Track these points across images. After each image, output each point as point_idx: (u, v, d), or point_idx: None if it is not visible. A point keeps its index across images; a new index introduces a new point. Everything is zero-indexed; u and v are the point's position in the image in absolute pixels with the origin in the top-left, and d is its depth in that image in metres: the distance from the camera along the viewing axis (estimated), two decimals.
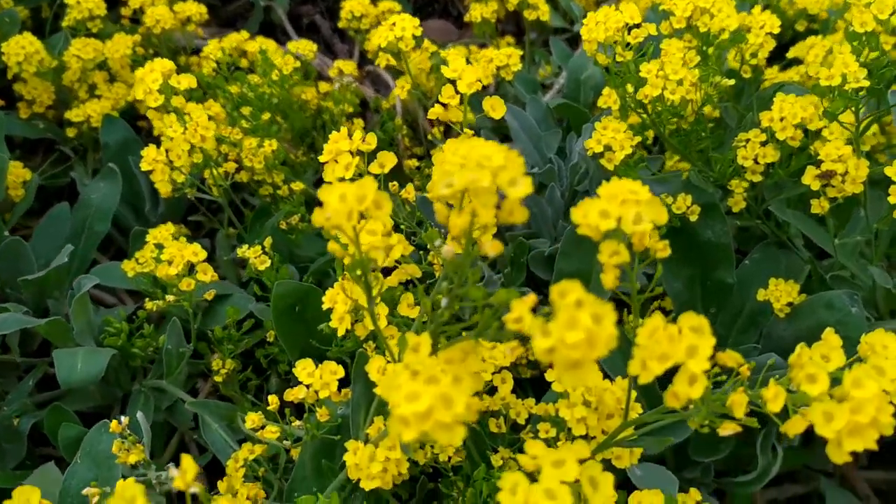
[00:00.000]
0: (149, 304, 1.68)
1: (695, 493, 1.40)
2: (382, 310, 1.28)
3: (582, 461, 0.98)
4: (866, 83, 1.26)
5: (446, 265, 0.99)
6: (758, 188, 1.83)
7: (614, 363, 1.66)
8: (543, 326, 0.83)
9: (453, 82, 1.43)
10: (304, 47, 2.13)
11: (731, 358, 0.95)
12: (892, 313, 1.77)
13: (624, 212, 0.98)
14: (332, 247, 1.02)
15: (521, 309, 0.87)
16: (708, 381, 0.92)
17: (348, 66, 2.25)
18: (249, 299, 1.85)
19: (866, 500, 1.90)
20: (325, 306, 1.41)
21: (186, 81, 1.60)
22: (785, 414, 0.97)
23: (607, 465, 1.43)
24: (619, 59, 1.47)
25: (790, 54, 1.96)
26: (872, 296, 1.79)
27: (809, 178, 1.50)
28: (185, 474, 0.89)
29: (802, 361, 0.93)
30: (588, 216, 0.99)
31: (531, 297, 0.89)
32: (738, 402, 0.95)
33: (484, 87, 2.70)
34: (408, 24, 1.72)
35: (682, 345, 0.90)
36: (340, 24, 2.44)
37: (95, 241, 1.98)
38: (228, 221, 2.01)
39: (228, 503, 1.33)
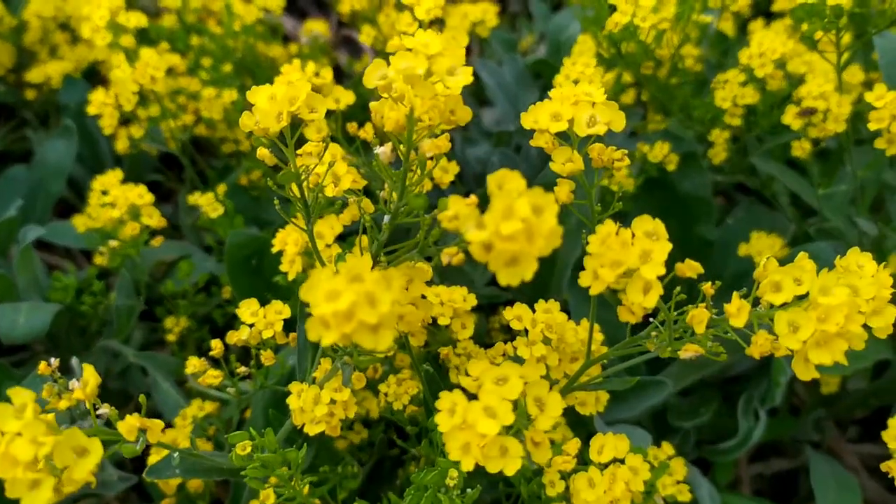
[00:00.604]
0: (98, 259, 1.60)
1: (667, 447, 1.32)
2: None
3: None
4: (843, 1, 1.18)
5: (383, 171, 0.91)
6: (741, 143, 1.75)
7: (578, 307, 1.58)
8: (478, 218, 0.75)
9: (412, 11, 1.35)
10: (271, 2, 2.05)
11: (689, 268, 0.87)
12: None
13: (577, 113, 0.90)
14: (261, 153, 0.94)
15: (457, 206, 0.78)
16: (662, 290, 0.84)
17: (320, 27, 2.17)
18: (209, 259, 1.78)
19: (854, 472, 1.81)
20: (274, 249, 1.33)
21: (136, 19, 1.52)
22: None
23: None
24: None
25: (775, 7, 1.88)
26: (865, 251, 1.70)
27: (790, 117, 1.42)
28: (85, 385, 0.81)
29: (767, 271, 0.85)
30: (539, 119, 0.91)
31: (472, 198, 0.81)
32: (699, 316, 0.87)
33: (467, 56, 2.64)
34: None
35: (635, 250, 0.82)
36: None
37: (50, 202, 1.90)
38: (191, 184, 1.93)
39: None
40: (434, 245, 0.94)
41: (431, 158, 0.90)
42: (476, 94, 2.26)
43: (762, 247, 1.62)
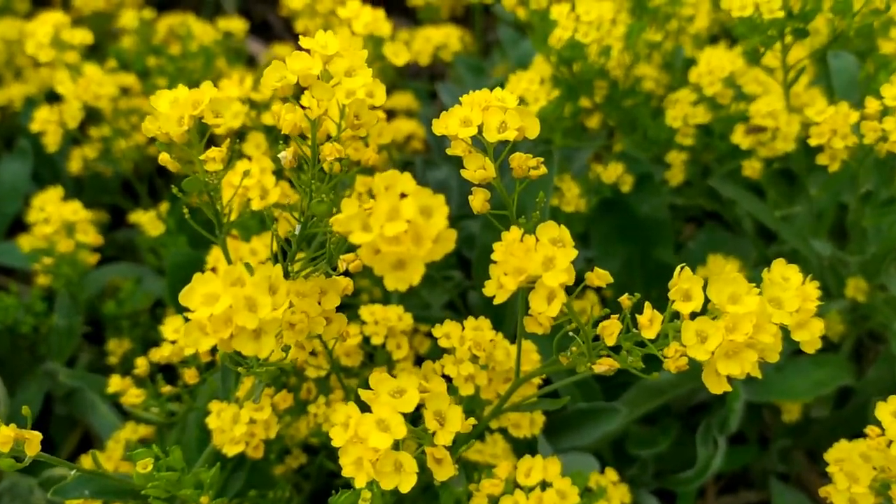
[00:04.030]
0: (42, 279, 1.57)
1: (611, 474, 1.27)
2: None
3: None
4: (780, 14, 1.16)
5: (290, 175, 0.88)
6: (701, 164, 1.73)
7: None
8: (364, 220, 0.72)
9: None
10: (234, 25, 2.05)
11: (597, 276, 0.84)
12: None
13: (487, 119, 0.88)
14: (162, 158, 0.91)
15: (348, 209, 0.75)
16: (567, 299, 0.80)
17: (286, 51, 2.16)
18: (161, 280, 1.74)
19: None
20: (206, 266, 1.30)
21: (80, 36, 1.50)
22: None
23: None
24: (533, 6, 1.38)
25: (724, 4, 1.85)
26: (822, 277, 1.67)
27: (739, 136, 1.39)
28: None
29: (679, 280, 0.82)
30: (449, 125, 0.89)
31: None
32: (610, 328, 0.83)
33: (431, 75, 2.62)
34: None
35: (537, 256, 0.78)
36: (283, 13, 2.36)
37: (6, 223, 1.87)
38: (147, 204, 1.91)
39: None
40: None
41: (362, 164, 0.87)
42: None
43: (718, 271, 1.58)
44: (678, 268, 0.84)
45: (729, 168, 1.67)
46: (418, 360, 1.55)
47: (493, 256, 0.81)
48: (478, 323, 1.11)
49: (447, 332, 1.11)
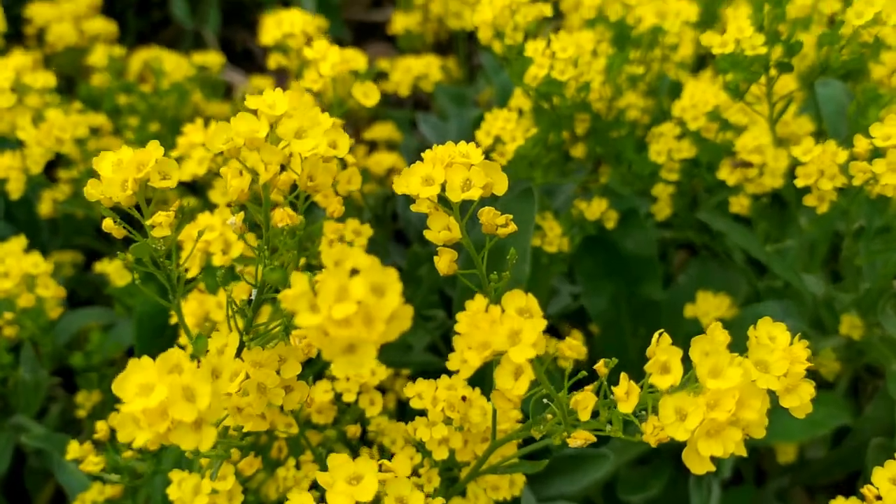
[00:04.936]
0: (7, 330, 1.51)
1: None
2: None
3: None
4: (763, 50, 1.10)
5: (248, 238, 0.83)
6: (689, 196, 1.68)
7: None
8: (311, 300, 0.66)
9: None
10: (210, 59, 2.00)
11: (569, 347, 0.78)
12: None
13: (450, 176, 0.82)
14: (106, 224, 0.86)
15: (298, 285, 0.69)
16: (533, 375, 0.75)
17: (265, 83, 2.12)
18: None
19: None
20: (171, 321, 1.25)
21: (43, 79, 1.45)
22: None
23: None
24: (508, 41, 1.32)
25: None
26: (816, 312, 1.61)
27: (725, 172, 1.34)
28: None
29: (657, 349, 0.76)
30: (410, 184, 0.83)
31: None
32: (584, 402, 0.77)
33: (415, 102, 2.56)
34: (297, 20, 1.59)
35: (503, 329, 0.73)
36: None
37: None
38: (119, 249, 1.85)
39: None
40: None
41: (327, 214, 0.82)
42: (420, 149, 2.18)
43: (709, 307, 1.53)
44: (655, 335, 0.78)
45: (718, 199, 1.62)
46: (400, 406, 1.50)
47: (457, 328, 0.75)
48: (451, 381, 1.05)
49: (419, 391, 1.05)
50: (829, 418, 1.50)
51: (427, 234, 0.84)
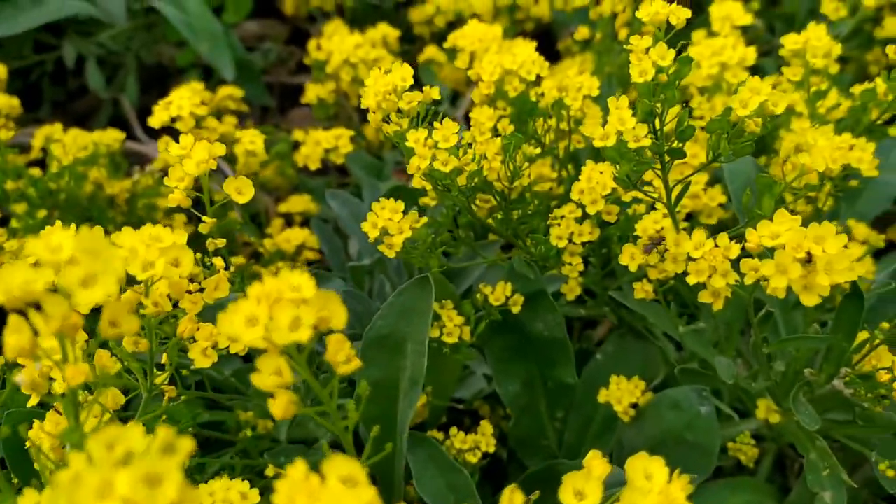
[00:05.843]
0: None
1: None
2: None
3: None
4: (647, 142, 1.04)
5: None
6: (605, 271, 1.61)
7: (421, 469, 1.37)
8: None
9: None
10: (108, 136, 1.90)
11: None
12: None
13: (277, 315, 0.74)
14: None
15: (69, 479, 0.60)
16: None
17: (183, 148, 2.02)
18: None
19: None
20: (27, 444, 1.14)
21: None
22: None
23: None
24: (394, 128, 1.25)
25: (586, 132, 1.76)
26: (734, 391, 1.54)
27: (626, 257, 1.27)
28: None
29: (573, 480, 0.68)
30: (233, 324, 0.75)
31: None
32: None
33: (331, 169, 2.48)
34: (185, 102, 1.51)
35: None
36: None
37: None
38: None
39: None
40: None
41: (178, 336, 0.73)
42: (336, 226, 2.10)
43: (622, 394, 1.45)
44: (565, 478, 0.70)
45: (636, 275, 1.55)
46: None
47: (273, 498, 0.67)
48: None
49: None
50: None
51: (253, 379, 0.75)
